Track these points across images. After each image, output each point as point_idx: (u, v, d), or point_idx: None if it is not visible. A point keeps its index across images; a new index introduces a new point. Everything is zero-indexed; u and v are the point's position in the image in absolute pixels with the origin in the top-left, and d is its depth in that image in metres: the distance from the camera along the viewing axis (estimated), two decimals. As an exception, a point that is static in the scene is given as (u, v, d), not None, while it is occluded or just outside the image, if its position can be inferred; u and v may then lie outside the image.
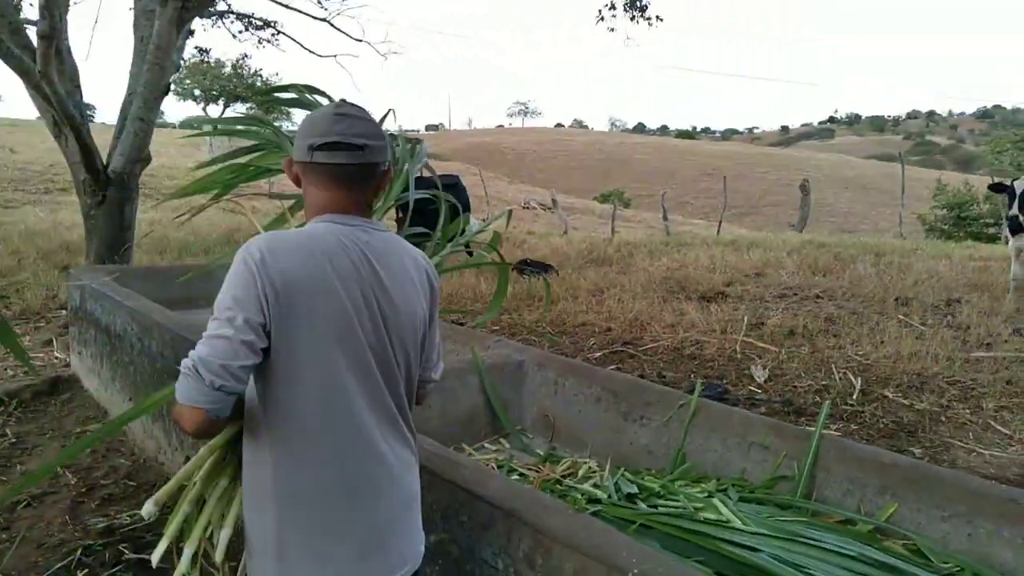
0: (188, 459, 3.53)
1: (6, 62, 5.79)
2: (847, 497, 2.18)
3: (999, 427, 4.15)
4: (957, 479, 2.10)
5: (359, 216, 1.44)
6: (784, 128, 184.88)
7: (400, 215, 9.07)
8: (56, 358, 5.58)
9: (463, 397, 3.12)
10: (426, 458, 2.07)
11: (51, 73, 5.71)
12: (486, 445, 2.96)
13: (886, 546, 1.94)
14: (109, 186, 6.30)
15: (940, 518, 1.98)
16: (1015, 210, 6.75)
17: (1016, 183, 6.90)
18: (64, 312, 6.69)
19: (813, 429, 2.37)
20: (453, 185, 9.61)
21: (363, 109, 1.45)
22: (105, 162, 6.43)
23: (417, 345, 1.49)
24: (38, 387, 4.85)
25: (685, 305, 6.76)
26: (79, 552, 2.91)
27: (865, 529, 2.03)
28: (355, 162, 1.40)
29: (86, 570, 2.78)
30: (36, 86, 5.82)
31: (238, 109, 49.97)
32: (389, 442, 1.43)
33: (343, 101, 1.51)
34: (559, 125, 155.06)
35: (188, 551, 1.52)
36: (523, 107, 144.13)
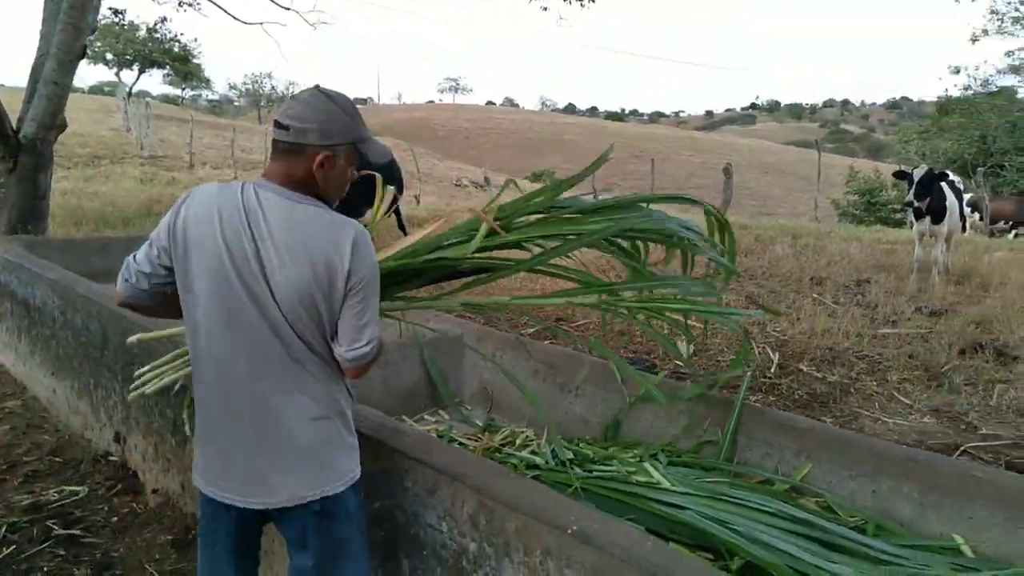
0: (117, 435, 3.47)
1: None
2: (766, 459, 2.36)
3: (902, 398, 4.50)
4: (864, 442, 2.30)
5: (281, 186, 1.60)
6: (709, 113, 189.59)
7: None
8: (-35, 333, 5.29)
9: (404, 371, 3.16)
10: (371, 428, 2.12)
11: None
12: (426, 417, 3.03)
13: (800, 503, 2.11)
14: (20, 152, 5.97)
15: (848, 477, 2.17)
16: (910, 196, 7.20)
17: (915, 171, 7.36)
18: (-29, 285, 6.34)
19: (735, 399, 2.54)
20: (388, 163, 9.52)
21: (322, 95, 1.63)
22: (15, 127, 6.08)
23: (312, 314, 1.59)
24: (-53, 363, 4.61)
25: (615, 283, 6.95)
26: (3, 529, 2.83)
27: (782, 488, 2.21)
28: (281, 139, 1.60)
29: (12, 547, 2.71)
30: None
31: (153, 75, 47.57)
32: (271, 390, 1.62)
33: (316, 87, 1.66)
34: (490, 103, 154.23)
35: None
36: (454, 83, 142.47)
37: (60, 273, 4.04)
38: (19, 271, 4.37)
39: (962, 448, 3.70)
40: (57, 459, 3.51)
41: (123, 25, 42.90)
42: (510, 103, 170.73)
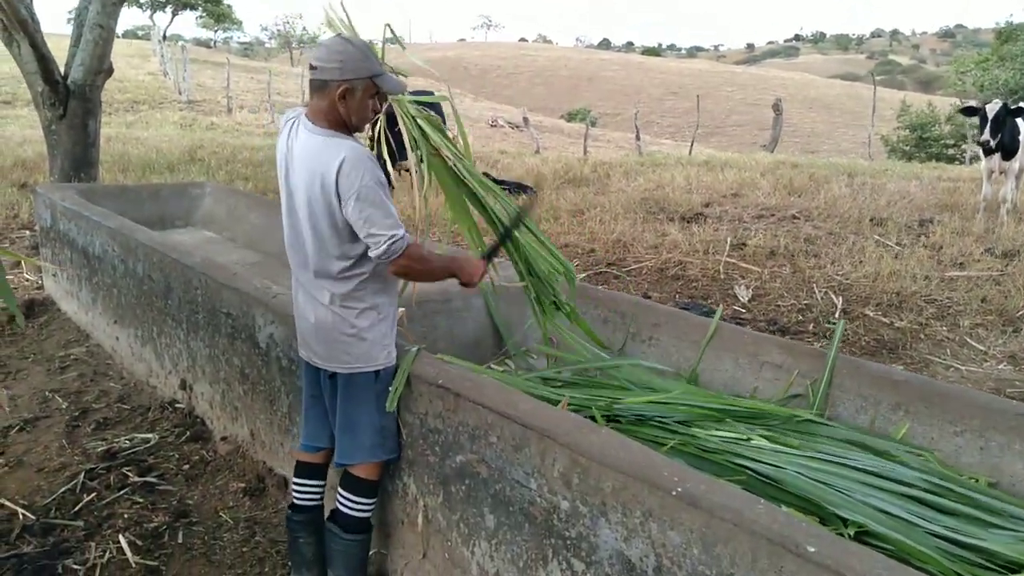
0: (183, 383, 3.48)
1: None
2: (860, 414, 2.25)
3: (975, 344, 4.32)
4: (968, 395, 2.17)
5: (310, 117, 2.00)
6: (750, 46, 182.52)
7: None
8: (27, 280, 5.38)
9: (469, 319, 3.10)
10: (450, 379, 2.06)
11: (-2, -28, 5.27)
12: (492, 366, 2.97)
13: (901, 460, 2.01)
14: (70, 99, 5.94)
15: (953, 433, 2.06)
16: (986, 135, 6.81)
17: (988, 106, 6.94)
18: (29, 233, 6.42)
19: (823, 348, 2.41)
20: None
21: (341, 39, 2.00)
22: (63, 73, 6.04)
23: (323, 218, 1.95)
24: (11, 312, 4.68)
25: (666, 226, 6.78)
26: (83, 476, 2.88)
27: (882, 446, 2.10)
28: (312, 78, 1.97)
29: (93, 494, 2.76)
30: (-19, -13, 5.37)
31: (187, 17, 47.18)
32: (307, 275, 2.08)
33: (337, 34, 2.13)
34: (522, 40, 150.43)
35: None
36: (486, 20, 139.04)
37: (119, 222, 4.02)
38: (78, 219, 4.38)
39: (1047, 397, 3.54)
40: (125, 407, 3.56)
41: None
42: (543, 40, 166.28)
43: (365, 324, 2.08)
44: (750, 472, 1.90)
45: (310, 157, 1.96)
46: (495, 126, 26.91)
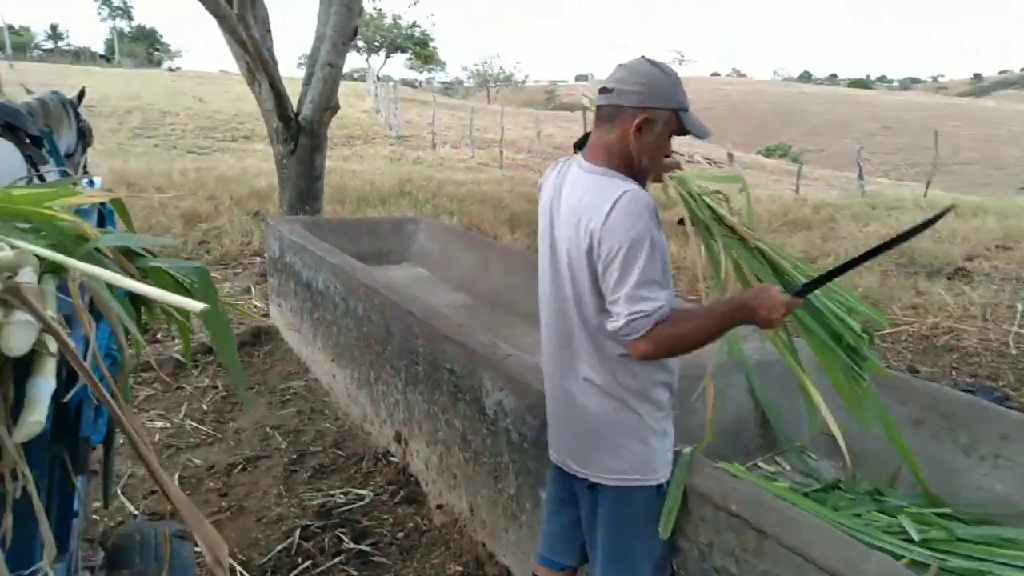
0: (398, 435, 3.26)
1: (204, 5, 5.77)
2: None
3: None
4: None
5: (587, 154, 1.66)
6: (976, 76, 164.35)
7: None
8: (255, 306, 5.62)
9: (729, 399, 2.58)
10: (747, 507, 1.57)
11: (247, 16, 5.64)
12: (760, 464, 2.42)
13: None
14: (300, 134, 6.23)
15: None
16: None
17: None
18: (259, 259, 6.81)
19: None
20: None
21: (647, 61, 1.60)
22: (295, 110, 6.37)
23: (580, 278, 1.60)
24: (242, 337, 4.85)
25: (923, 283, 5.78)
26: (298, 533, 2.71)
27: None
28: (603, 103, 1.61)
29: (308, 561, 2.56)
30: (232, 30, 5.77)
31: (396, 59, 51.05)
32: (564, 355, 1.71)
33: (641, 56, 1.64)
34: (715, 74, 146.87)
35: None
36: (679, 55, 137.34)
37: (341, 259, 3.98)
38: (303, 253, 4.43)
39: None
40: (340, 453, 3.42)
41: (371, 13, 46.46)
42: (737, 74, 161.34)
43: (644, 420, 1.63)
44: None
45: (578, 198, 1.60)
46: (691, 162, 26.05)
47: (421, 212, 9.39)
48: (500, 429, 2.43)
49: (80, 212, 1.73)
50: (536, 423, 2.22)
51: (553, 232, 1.69)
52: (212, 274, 5.22)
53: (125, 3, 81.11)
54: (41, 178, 3.33)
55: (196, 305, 0.89)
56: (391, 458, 3.30)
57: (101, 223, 1.82)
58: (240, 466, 3.23)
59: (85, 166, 4.77)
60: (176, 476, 3.08)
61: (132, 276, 1.35)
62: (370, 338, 3.50)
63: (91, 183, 1.91)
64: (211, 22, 5.84)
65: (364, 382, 3.61)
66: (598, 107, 1.62)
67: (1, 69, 23.29)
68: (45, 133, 3.78)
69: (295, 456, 3.35)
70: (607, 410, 1.64)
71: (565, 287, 1.66)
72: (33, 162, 3.36)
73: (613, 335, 1.56)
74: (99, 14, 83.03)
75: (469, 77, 76.83)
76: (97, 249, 1.28)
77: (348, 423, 3.74)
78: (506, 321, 4.11)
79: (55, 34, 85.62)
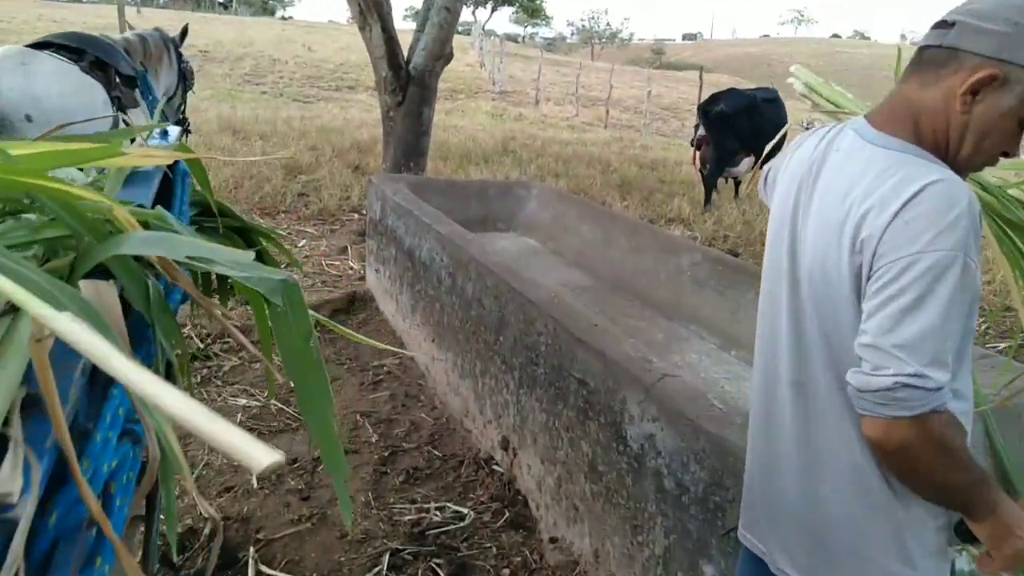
0: (505, 441, 2.78)
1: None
2: None
3: None
4: None
5: (874, 118, 1.10)
6: None
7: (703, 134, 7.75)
8: (351, 268, 5.27)
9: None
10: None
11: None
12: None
13: None
14: (410, 84, 5.77)
15: None
16: None
17: None
18: (356, 216, 6.48)
19: None
20: (772, 100, 8.03)
21: None
22: (406, 59, 5.90)
23: (845, 292, 1.03)
24: (335, 303, 4.50)
25: None
26: (387, 557, 2.29)
27: None
28: (930, 42, 1.05)
29: (399, 600, 2.13)
30: (346, -31, 5.34)
31: (500, 14, 50.12)
32: (782, 421, 1.16)
33: None
34: (835, 36, 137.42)
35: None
36: (798, 14, 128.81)
37: (450, 228, 3.50)
38: (407, 218, 3.98)
39: None
40: (436, 452, 2.98)
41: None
42: (860, 36, 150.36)
43: (913, 530, 1.06)
44: None
45: (850, 182, 1.04)
46: (809, 128, 24.26)
47: (525, 172, 8.86)
48: (647, 470, 1.90)
49: (141, 175, 1.28)
50: (704, 476, 1.67)
51: (796, 231, 1.13)
52: (309, 230, 4.80)
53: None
54: (127, 123, 2.93)
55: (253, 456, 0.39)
56: (495, 466, 2.84)
57: (167, 189, 1.37)
58: (326, 461, 2.85)
59: (183, 109, 4.50)
60: (255, 477, 2.72)
61: (180, 284, 0.88)
62: (479, 324, 3.02)
63: (164, 134, 1.45)
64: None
65: (468, 372, 3.14)
66: (920, 49, 1.07)
67: (130, 15, 24.10)
68: (139, 73, 3.46)
69: (386, 453, 2.94)
70: (858, 507, 1.08)
71: (807, 317, 1.10)
72: (121, 104, 3.03)
73: (851, 388, 0.99)
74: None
75: (573, 33, 74.97)
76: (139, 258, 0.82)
77: (446, 415, 3.30)
78: (631, 310, 3.54)
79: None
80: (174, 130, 1.54)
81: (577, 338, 2.26)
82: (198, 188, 1.48)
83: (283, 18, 55.14)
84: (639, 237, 3.90)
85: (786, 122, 8.24)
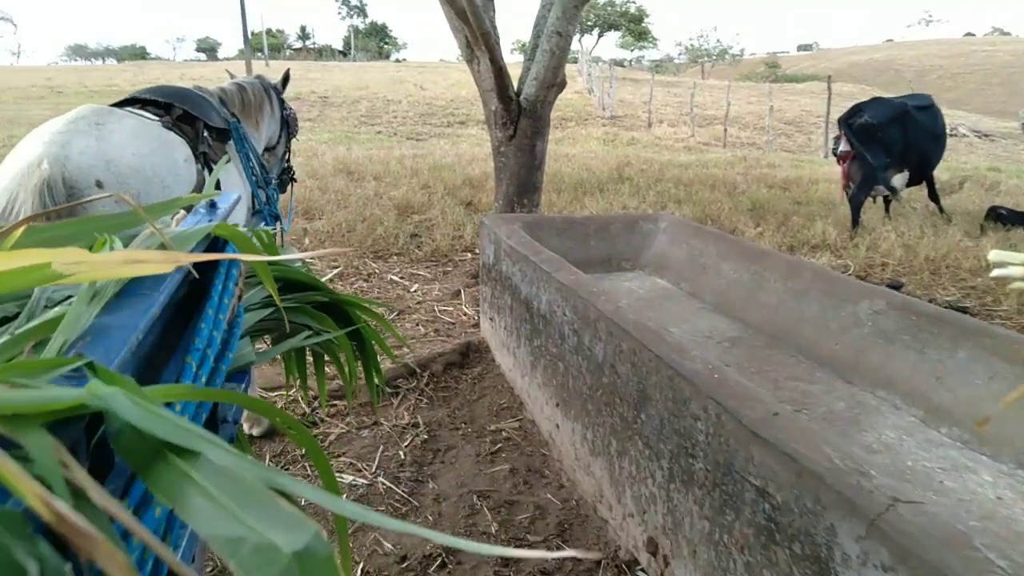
0: (651, 541, 2.29)
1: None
2: None
3: None
4: None
5: None
6: None
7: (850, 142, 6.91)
8: (464, 315, 4.93)
9: None
10: None
11: (467, -18, 4.89)
12: None
13: None
14: (521, 117, 5.42)
15: None
16: None
17: None
18: (470, 256, 6.17)
19: None
20: (926, 107, 7.10)
21: None
22: (516, 90, 5.56)
23: None
24: (449, 356, 4.14)
25: None
26: None
27: None
28: None
29: None
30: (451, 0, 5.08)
31: (611, 38, 49.80)
32: None
33: None
34: (968, 35, 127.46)
35: None
36: (927, 16, 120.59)
37: (573, 277, 3.04)
38: (523, 264, 3.57)
39: None
40: (563, 542, 2.50)
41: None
42: (999, 32, 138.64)
43: None
44: None
45: None
46: (952, 135, 22.17)
47: (644, 200, 8.31)
48: (876, 637, 1.34)
49: (149, 280, 0.90)
50: None
51: None
52: (422, 272, 4.38)
53: (361, 1, 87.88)
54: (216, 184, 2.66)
55: None
56: (640, 572, 2.32)
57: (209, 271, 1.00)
58: (439, 560, 2.43)
59: (288, 157, 4.32)
60: (359, 570, 2.34)
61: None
62: (612, 394, 2.53)
63: (212, 205, 1.08)
64: (433, 7, 5.21)
65: (601, 449, 2.65)
66: None
67: (259, 67, 25.65)
68: (232, 124, 3.26)
69: (507, 541, 2.49)
70: None
71: None
72: (207, 159, 2.80)
73: None
74: (339, 13, 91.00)
75: (680, 53, 73.56)
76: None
77: (575, 495, 2.82)
78: (796, 369, 2.94)
79: (304, 34, 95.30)
80: (229, 197, 1.18)
81: (752, 432, 1.73)
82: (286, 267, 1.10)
83: (397, 60, 57.43)
84: (799, 279, 3.28)
85: (944, 132, 7.27)
